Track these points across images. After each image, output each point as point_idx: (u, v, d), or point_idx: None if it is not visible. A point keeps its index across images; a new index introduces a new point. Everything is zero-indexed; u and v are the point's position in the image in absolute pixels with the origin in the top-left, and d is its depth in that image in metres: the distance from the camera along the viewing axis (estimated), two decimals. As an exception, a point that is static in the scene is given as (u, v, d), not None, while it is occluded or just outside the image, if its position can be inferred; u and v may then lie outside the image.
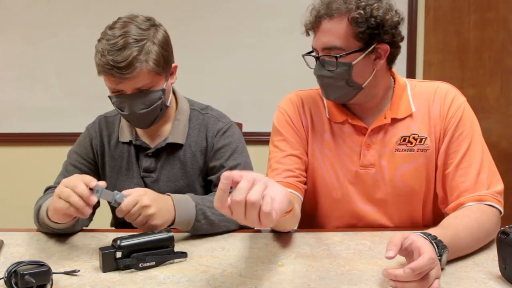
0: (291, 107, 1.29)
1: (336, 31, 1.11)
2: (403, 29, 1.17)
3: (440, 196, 1.19)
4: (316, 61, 1.17)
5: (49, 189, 1.30)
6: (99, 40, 1.17)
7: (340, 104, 1.25)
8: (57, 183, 1.31)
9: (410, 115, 1.20)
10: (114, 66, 1.12)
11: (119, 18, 1.20)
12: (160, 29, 1.22)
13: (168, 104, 1.28)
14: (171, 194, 1.13)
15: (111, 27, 1.17)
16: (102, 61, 1.13)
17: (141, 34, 1.16)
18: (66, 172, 1.32)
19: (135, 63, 1.13)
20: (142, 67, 1.14)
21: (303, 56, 1.20)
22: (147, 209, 1.04)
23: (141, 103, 1.19)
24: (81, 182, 0.98)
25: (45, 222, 1.10)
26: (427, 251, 0.80)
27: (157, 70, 1.17)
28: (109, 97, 1.22)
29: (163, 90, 1.22)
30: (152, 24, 1.20)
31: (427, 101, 1.21)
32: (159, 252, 0.96)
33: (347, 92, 1.17)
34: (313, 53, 1.18)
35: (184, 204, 1.12)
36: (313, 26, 1.15)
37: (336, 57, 1.12)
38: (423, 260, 0.79)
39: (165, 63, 1.20)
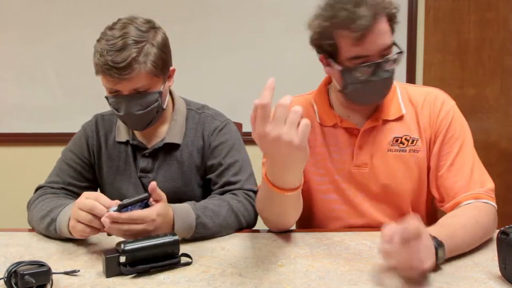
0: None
1: (386, 30, 1.10)
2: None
3: (436, 197, 1.20)
4: (373, 67, 1.10)
5: (40, 189, 1.29)
6: (98, 40, 1.17)
7: (330, 108, 1.27)
8: (49, 181, 1.31)
9: (401, 117, 1.22)
10: (112, 67, 1.12)
11: (118, 19, 1.20)
12: (160, 32, 1.22)
13: (164, 106, 1.27)
14: (173, 207, 1.09)
15: (110, 28, 1.17)
16: (101, 61, 1.13)
17: (141, 36, 1.16)
18: (60, 171, 1.32)
19: (133, 64, 1.13)
20: (141, 69, 1.14)
21: (348, 69, 1.10)
22: (146, 235, 0.99)
23: (137, 104, 1.19)
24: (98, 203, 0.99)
25: (65, 236, 1.09)
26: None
27: (155, 72, 1.18)
28: (106, 97, 1.22)
29: (160, 93, 1.22)
30: (152, 27, 1.20)
31: (417, 105, 1.24)
32: (165, 263, 0.93)
33: (390, 86, 1.18)
34: (361, 62, 1.10)
35: (184, 219, 1.08)
36: (368, 31, 1.06)
37: (398, 53, 1.13)
38: (410, 223, 0.79)
39: (163, 65, 1.20)
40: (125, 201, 0.97)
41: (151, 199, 1.02)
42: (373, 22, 1.06)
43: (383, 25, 1.09)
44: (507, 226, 0.85)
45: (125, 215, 0.96)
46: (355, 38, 1.06)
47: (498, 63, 2.52)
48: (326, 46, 1.13)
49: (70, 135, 1.40)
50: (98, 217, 0.98)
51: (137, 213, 0.98)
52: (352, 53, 1.09)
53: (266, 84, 0.83)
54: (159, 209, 1.01)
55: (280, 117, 0.82)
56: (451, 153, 1.17)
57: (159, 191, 1.02)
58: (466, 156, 1.17)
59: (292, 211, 1.11)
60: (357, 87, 1.13)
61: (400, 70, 2.48)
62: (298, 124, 0.83)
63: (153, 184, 1.00)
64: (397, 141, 1.21)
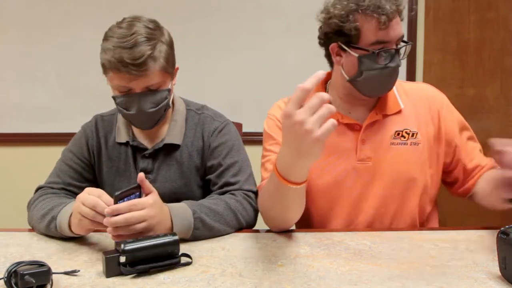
0: (280, 112, 1.30)
1: (400, 22, 1.17)
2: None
3: (460, 179, 1.30)
4: (394, 53, 1.17)
5: (40, 189, 1.29)
6: (106, 39, 1.17)
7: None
8: (49, 182, 1.31)
9: (400, 111, 1.27)
10: (129, 63, 1.12)
11: (124, 18, 1.20)
12: (165, 31, 1.24)
13: (170, 105, 1.28)
14: (169, 205, 1.10)
15: (118, 26, 1.17)
16: (116, 59, 1.12)
17: (151, 33, 1.17)
18: (60, 171, 1.32)
19: (149, 61, 1.14)
20: (156, 65, 1.15)
21: (376, 53, 1.15)
22: (148, 224, 1.00)
23: (150, 102, 1.19)
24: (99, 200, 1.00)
25: (65, 235, 1.10)
26: None
27: (167, 69, 1.19)
28: (113, 97, 1.21)
29: (169, 90, 1.23)
30: (158, 26, 1.22)
31: (414, 101, 1.29)
32: (165, 263, 0.93)
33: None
34: (381, 48, 1.15)
35: (181, 215, 1.09)
36: (393, 16, 1.14)
37: (409, 45, 1.20)
38: None
39: (172, 63, 1.23)
40: (119, 192, 0.98)
41: (143, 195, 1.03)
42: (395, 10, 1.13)
43: (398, 17, 1.16)
44: (507, 226, 0.85)
45: (123, 204, 0.97)
46: (381, 23, 1.12)
47: (498, 63, 2.52)
48: (347, 30, 1.15)
49: (70, 135, 1.41)
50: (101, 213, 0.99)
51: (135, 200, 0.99)
52: (376, 37, 1.14)
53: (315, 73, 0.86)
54: (153, 197, 1.02)
55: (312, 106, 0.84)
56: (463, 142, 1.29)
57: (148, 184, 1.03)
58: (472, 139, 1.31)
59: (296, 207, 1.11)
60: (372, 74, 1.17)
61: (400, 70, 2.46)
62: (325, 120, 0.85)
63: (141, 175, 1.01)
64: (398, 134, 1.26)
